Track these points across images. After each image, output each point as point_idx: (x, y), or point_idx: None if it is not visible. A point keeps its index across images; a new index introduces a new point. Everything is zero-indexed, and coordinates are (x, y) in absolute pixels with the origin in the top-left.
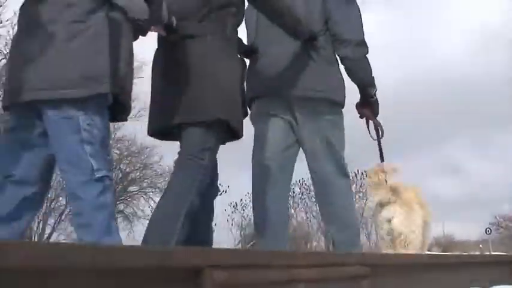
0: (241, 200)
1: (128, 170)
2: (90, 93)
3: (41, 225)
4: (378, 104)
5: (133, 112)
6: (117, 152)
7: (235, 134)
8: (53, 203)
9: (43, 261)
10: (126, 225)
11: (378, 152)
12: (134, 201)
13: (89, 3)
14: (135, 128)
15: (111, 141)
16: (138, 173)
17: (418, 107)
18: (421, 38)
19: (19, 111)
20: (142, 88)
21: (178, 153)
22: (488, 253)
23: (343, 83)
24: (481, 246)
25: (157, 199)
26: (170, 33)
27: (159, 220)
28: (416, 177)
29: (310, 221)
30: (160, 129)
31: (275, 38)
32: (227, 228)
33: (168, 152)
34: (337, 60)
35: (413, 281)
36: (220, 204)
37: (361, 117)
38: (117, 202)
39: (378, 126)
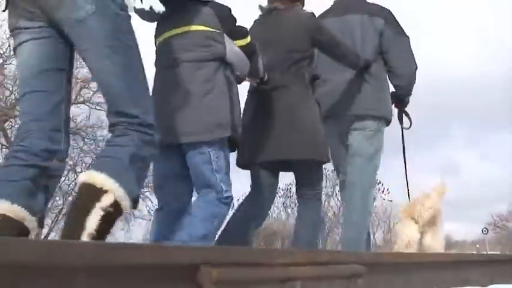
0: (238, 200)
1: None
2: (218, 137)
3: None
4: (407, 102)
5: None
6: None
7: None
8: (50, 203)
9: (40, 258)
10: (124, 225)
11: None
12: None
13: (213, 65)
14: None
15: None
16: None
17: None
18: (418, 38)
19: (167, 149)
20: None
21: (298, 186)
22: (485, 252)
23: (390, 101)
24: (478, 246)
25: (153, 199)
26: (261, 84)
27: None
28: (412, 176)
29: None
30: (257, 160)
31: (335, 67)
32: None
33: None
34: (388, 82)
35: (408, 280)
36: None
37: (396, 106)
38: None
39: (402, 114)
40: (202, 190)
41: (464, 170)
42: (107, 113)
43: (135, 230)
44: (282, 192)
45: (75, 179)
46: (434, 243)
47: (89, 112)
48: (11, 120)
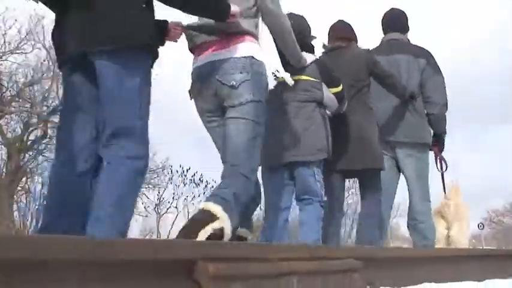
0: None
1: None
2: (319, 158)
3: (34, 222)
4: (444, 144)
5: None
6: None
7: None
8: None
9: (35, 253)
10: None
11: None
12: None
13: (313, 105)
14: None
15: None
16: None
17: None
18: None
19: (277, 169)
20: None
21: (363, 188)
22: (481, 247)
23: (430, 130)
24: (473, 241)
25: (150, 195)
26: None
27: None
28: None
29: None
30: (336, 169)
31: (382, 95)
32: None
33: (160, 149)
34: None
35: (404, 274)
36: None
37: (431, 149)
38: None
39: (442, 160)
40: (305, 196)
41: (460, 165)
42: (226, 163)
43: (132, 226)
44: None
45: None
46: (459, 236)
47: None
48: (6, 116)
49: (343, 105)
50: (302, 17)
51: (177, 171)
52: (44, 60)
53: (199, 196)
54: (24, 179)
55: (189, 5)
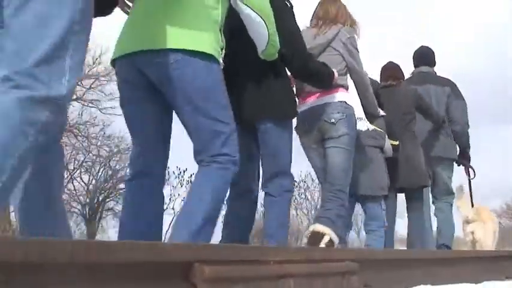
0: None
1: (117, 167)
2: (384, 194)
3: None
4: (469, 157)
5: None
6: (107, 149)
7: None
8: None
9: (32, 256)
10: (116, 223)
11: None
12: None
13: (377, 150)
14: (124, 125)
15: (101, 138)
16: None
17: None
18: (416, 34)
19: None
20: None
21: (409, 202)
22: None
23: (456, 146)
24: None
25: None
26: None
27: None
28: None
29: (300, 218)
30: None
31: (420, 118)
32: (218, 226)
33: None
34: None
35: (402, 277)
36: None
37: (458, 165)
38: (107, 200)
39: (468, 169)
40: (372, 222)
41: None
42: (327, 182)
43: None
44: None
45: (67, 177)
46: (485, 238)
47: (81, 109)
48: None
49: (392, 154)
50: (376, 81)
51: (174, 173)
52: None
53: None
54: None
55: (311, 80)
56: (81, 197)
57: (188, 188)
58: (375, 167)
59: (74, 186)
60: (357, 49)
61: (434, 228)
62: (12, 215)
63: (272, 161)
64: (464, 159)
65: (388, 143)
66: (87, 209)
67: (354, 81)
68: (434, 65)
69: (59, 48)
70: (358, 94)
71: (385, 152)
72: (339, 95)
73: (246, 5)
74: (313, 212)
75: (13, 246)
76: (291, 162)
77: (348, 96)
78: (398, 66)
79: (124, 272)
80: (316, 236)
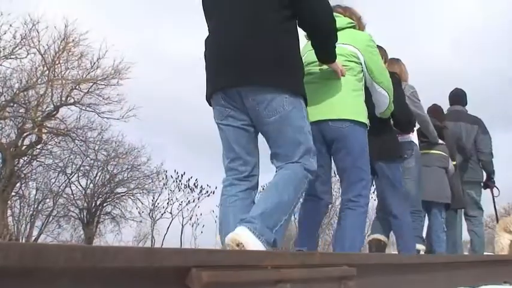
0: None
1: (115, 171)
2: (447, 202)
3: (28, 227)
4: (494, 180)
5: (120, 113)
6: (105, 153)
7: None
8: (40, 205)
9: (27, 261)
10: (114, 227)
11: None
12: (122, 203)
13: (443, 171)
14: (122, 129)
15: (98, 142)
16: (125, 174)
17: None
18: (406, 35)
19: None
20: (130, 89)
21: (431, 217)
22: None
23: (482, 170)
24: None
25: (144, 200)
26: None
27: None
28: None
29: (297, 221)
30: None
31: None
32: (215, 230)
33: (155, 154)
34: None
35: (399, 281)
36: (207, 206)
37: (485, 188)
38: (105, 204)
39: (493, 189)
40: (435, 229)
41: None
42: (413, 210)
43: (126, 232)
44: None
45: (65, 181)
46: None
47: (79, 113)
48: (1, 121)
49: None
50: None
51: (171, 177)
52: (39, 65)
53: (194, 201)
54: (18, 184)
55: (406, 129)
56: (78, 201)
57: (186, 192)
58: (441, 181)
59: (71, 190)
60: (419, 100)
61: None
62: (10, 219)
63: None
64: (489, 181)
65: (451, 165)
66: (84, 213)
67: (419, 123)
68: (466, 104)
69: (309, 142)
70: (423, 131)
71: (448, 172)
72: (409, 136)
73: (378, 84)
74: None
75: (6, 250)
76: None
77: (415, 136)
78: (442, 109)
79: (120, 277)
80: (377, 242)
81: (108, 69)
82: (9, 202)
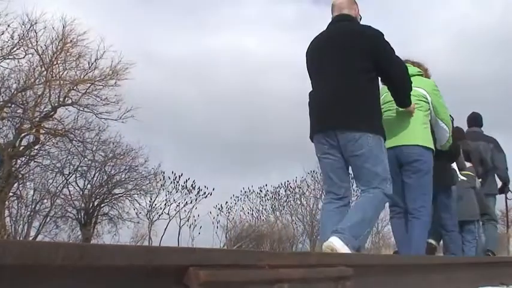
0: (227, 202)
1: (113, 172)
2: (475, 219)
3: (25, 228)
4: (509, 187)
5: (118, 114)
6: (102, 154)
7: None
8: (37, 206)
9: (26, 259)
10: (112, 228)
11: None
12: (119, 204)
13: (472, 190)
14: (120, 130)
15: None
16: (123, 175)
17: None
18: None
19: None
20: (127, 90)
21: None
22: None
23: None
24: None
25: (142, 201)
26: None
27: None
28: None
29: (295, 223)
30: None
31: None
32: (212, 231)
33: (153, 155)
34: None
35: (396, 282)
36: (205, 207)
37: (500, 193)
38: (102, 205)
39: (507, 193)
40: (467, 236)
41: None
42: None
43: (123, 233)
44: (271, 195)
45: (62, 181)
46: None
47: (76, 114)
48: None
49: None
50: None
51: (169, 178)
52: (37, 66)
53: (191, 203)
54: (16, 184)
55: (454, 159)
56: (76, 202)
57: (184, 193)
58: (472, 202)
59: (69, 191)
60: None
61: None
62: (7, 219)
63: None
64: (504, 187)
65: (478, 182)
66: (82, 214)
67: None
68: (482, 126)
69: (386, 172)
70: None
71: (476, 189)
72: (454, 164)
73: (441, 120)
74: (308, 217)
75: (5, 247)
76: None
77: (454, 164)
78: (463, 130)
79: (119, 276)
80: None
81: (106, 70)
82: (6, 202)
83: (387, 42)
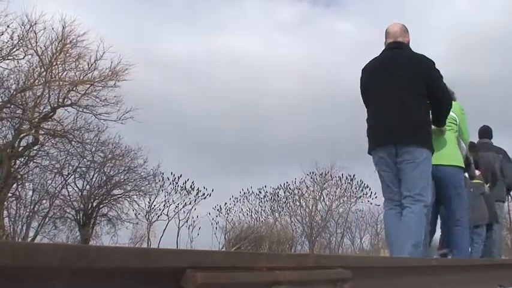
0: (226, 203)
1: (112, 173)
2: (484, 222)
3: (24, 228)
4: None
5: (117, 114)
6: (101, 154)
7: None
8: (36, 206)
9: (24, 260)
10: (110, 229)
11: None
12: (118, 205)
13: (482, 196)
14: (119, 130)
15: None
16: (122, 176)
17: None
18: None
19: None
20: (127, 91)
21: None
22: None
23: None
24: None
25: (141, 202)
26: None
27: None
28: None
29: (294, 225)
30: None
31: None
32: (211, 232)
33: (152, 156)
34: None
35: (394, 284)
36: (204, 208)
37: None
38: (101, 205)
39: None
40: (475, 238)
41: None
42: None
43: (122, 234)
44: (270, 196)
45: (61, 182)
46: None
47: (76, 115)
48: None
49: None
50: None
51: (168, 179)
52: (36, 67)
53: (190, 204)
54: (14, 185)
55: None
56: (75, 203)
57: (183, 194)
58: (481, 207)
59: (68, 192)
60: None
61: None
62: (6, 220)
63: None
64: (508, 192)
65: (486, 187)
66: (81, 215)
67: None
68: (492, 138)
69: (429, 181)
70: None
71: (484, 194)
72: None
73: (463, 141)
74: (307, 219)
75: (6, 249)
76: None
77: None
78: (475, 143)
79: (115, 277)
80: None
81: (105, 70)
82: (5, 203)
83: (438, 69)
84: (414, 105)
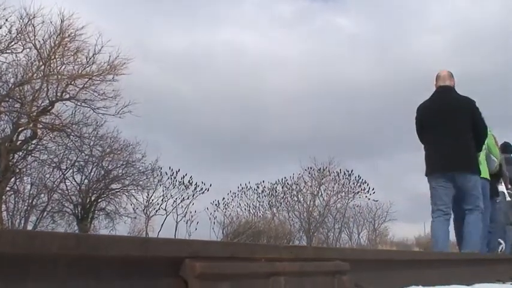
0: (224, 198)
1: (110, 167)
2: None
3: (22, 222)
4: None
5: (116, 109)
6: (100, 149)
7: None
8: (34, 200)
9: (24, 248)
10: (108, 223)
11: None
12: (116, 199)
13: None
14: (117, 125)
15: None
16: (120, 171)
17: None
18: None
19: None
20: (125, 85)
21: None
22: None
23: None
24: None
25: (139, 197)
26: None
27: None
28: (398, 174)
29: (292, 220)
30: None
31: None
32: (209, 227)
33: (150, 150)
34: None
35: (393, 277)
36: (202, 203)
37: None
38: (99, 200)
39: None
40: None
41: None
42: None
43: (120, 228)
44: (268, 192)
45: (59, 176)
46: None
47: (74, 109)
48: None
49: None
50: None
51: (166, 173)
52: (35, 60)
53: (188, 198)
54: (13, 179)
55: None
56: (73, 197)
57: (181, 189)
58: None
59: (66, 186)
60: (505, 164)
61: None
62: (4, 214)
63: None
64: None
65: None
66: (79, 209)
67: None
68: (511, 153)
69: (481, 195)
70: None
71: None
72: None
73: (492, 155)
74: (305, 214)
75: (6, 238)
76: None
77: (502, 186)
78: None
79: (114, 266)
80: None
81: (103, 64)
82: (3, 197)
83: (478, 107)
84: (466, 140)
